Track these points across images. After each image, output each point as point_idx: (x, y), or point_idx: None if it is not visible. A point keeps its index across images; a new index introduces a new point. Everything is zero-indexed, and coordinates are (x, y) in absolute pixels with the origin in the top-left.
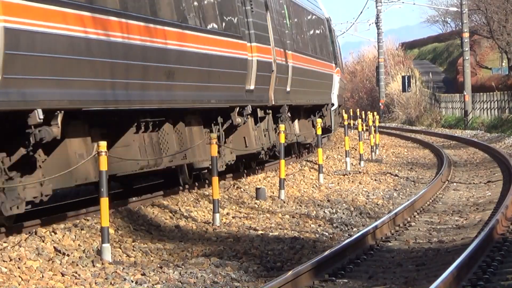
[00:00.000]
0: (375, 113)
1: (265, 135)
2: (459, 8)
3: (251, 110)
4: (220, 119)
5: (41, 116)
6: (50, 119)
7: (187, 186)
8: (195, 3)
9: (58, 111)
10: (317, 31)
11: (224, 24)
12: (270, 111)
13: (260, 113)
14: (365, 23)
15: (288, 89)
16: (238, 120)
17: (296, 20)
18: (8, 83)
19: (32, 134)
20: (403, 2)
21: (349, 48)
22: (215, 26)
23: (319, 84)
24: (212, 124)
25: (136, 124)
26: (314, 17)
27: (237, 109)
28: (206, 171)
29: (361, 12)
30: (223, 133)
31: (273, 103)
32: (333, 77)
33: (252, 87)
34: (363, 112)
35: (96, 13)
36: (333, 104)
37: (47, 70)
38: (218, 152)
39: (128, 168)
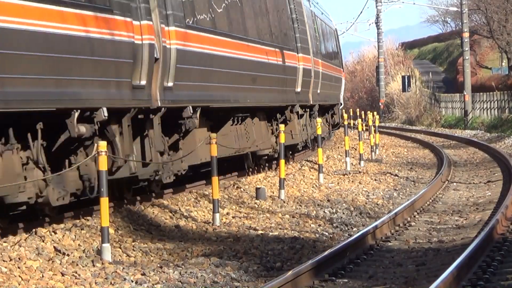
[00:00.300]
0: (375, 113)
1: (303, 129)
2: (459, 8)
3: (299, 108)
4: (278, 116)
5: (191, 111)
6: (193, 113)
7: (228, 175)
8: (270, 26)
9: (199, 107)
10: (332, 41)
11: (285, 40)
12: (308, 110)
13: (300, 111)
14: (365, 23)
15: (318, 91)
16: (290, 116)
17: (321, 32)
18: (177, 87)
19: (184, 124)
20: (403, 2)
21: (349, 48)
22: (281, 42)
23: (335, 87)
24: (272, 120)
25: (232, 118)
26: (329, 29)
27: (290, 107)
28: (266, 157)
29: (361, 12)
30: (277, 127)
31: (311, 103)
32: (342, 80)
33: (299, 89)
34: (363, 112)
35: (235, 39)
36: (341, 104)
37: (197, 78)
38: (276, 142)
39: (227, 152)
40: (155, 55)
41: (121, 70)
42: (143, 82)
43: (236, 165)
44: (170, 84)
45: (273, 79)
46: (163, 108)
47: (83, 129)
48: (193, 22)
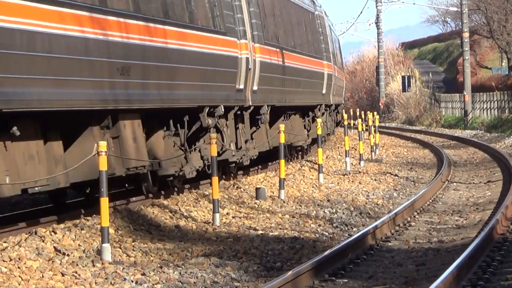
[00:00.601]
0: (375, 113)
1: (324, 125)
2: (459, 8)
3: (325, 108)
4: (310, 113)
5: (266, 109)
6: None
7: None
8: (308, 40)
9: (269, 106)
10: (337, 47)
11: (317, 50)
12: (328, 109)
13: (323, 110)
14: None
15: (334, 93)
16: (319, 114)
17: (333, 40)
18: (259, 91)
19: (260, 119)
20: (403, 2)
21: (349, 48)
22: (313, 52)
23: (342, 89)
24: (305, 117)
25: (284, 114)
26: (335, 36)
27: (318, 107)
28: (299, 148)
29: (361, 12)
30: (310, 122)
31: (331, 103)
32: (344, 83)
33: (324, 91)
34: (363, 112)
35: (291, 52)
36: (343, 103)
37: (270, 83)
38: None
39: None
40: (249, 66)
41: (231, 77)
42: (241, 87)
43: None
44: (255, 88)
45: (311, 83)
46: (251, 106)
47: (209, 121)
48: (267, 39)
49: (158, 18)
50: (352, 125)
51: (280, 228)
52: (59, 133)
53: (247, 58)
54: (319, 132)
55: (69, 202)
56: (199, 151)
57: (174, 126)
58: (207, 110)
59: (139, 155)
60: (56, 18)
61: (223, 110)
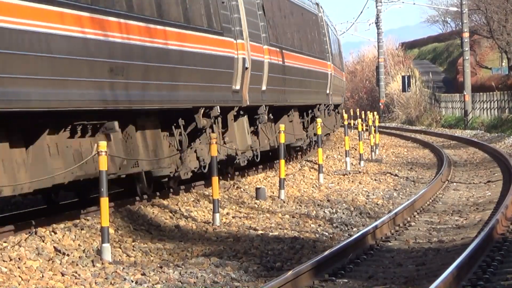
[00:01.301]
0: (375, 113)
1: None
2: (459, 8)
3: (324, 107)
4: (310, 112)
5: (264, 109)
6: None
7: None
8: (315, 43)
9: (267, 106)
10: (338, 48)
11: (322, 52)
12: (332, 106)
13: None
14: (365, 23)
15: (335, 92)
16: (318, 113)
17: (335, 42)
18: (268, 90)
19: (258, 119)
20: (403, 2)
21: (349, 48)
22: (316, 53)
23: (343, 90)
24: (304, 114)
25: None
26: (336, 38)
27: (321, 105)
28: (298, 148)
29: (361, 12)
30: (309, 121)
31: (332, 102)
32: (344, 82)
33: (329, 91)
34: (363, 112)
35: (294, 53)
36: (342, 103)
37: (275, 83)
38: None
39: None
40: (246, 65)
41: (227, 78)
42: (238, 87)
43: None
44: (264, 88)
45: (316, 82)
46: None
47: (204, 121)
48: (273, 41)
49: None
50: (352, 125)
51: (280, 228)
52: (21, 136)
53: (243, 58)
54: (319, 132)
55: (70, 202)
56: (195, 151)
57: (170, 127)
58: (202, 110)
59: (134, 155)
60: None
61: (219, 110)
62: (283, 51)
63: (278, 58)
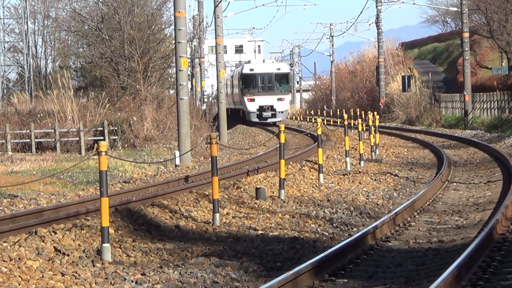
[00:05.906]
0: (375, 113)
1: None
2: (459, 8)
3: None
4: None
5: None
6: None
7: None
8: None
9: None
10: None
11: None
12: None
13: None
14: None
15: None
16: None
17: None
18: None
19: None
20: (403, 2)
21: (349, 48)
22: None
23: None
24: None
25: None
26: None
27: None
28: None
29: (361, 12)
30: None
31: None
32: None
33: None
34: (363, 112)
35: None
36: None
37: None
38: None
39: None
40: None
41: None
42: None
43: None
44: None
45: None
46: None
47: None
48: None
49: None
50: (352, 125)
51: (280, 228)
52: None
53: None
54: (319, 132)
55: (68, 202)
56: None
57: None
58: None
59: None
60: None
61: None
62: None
63: None
